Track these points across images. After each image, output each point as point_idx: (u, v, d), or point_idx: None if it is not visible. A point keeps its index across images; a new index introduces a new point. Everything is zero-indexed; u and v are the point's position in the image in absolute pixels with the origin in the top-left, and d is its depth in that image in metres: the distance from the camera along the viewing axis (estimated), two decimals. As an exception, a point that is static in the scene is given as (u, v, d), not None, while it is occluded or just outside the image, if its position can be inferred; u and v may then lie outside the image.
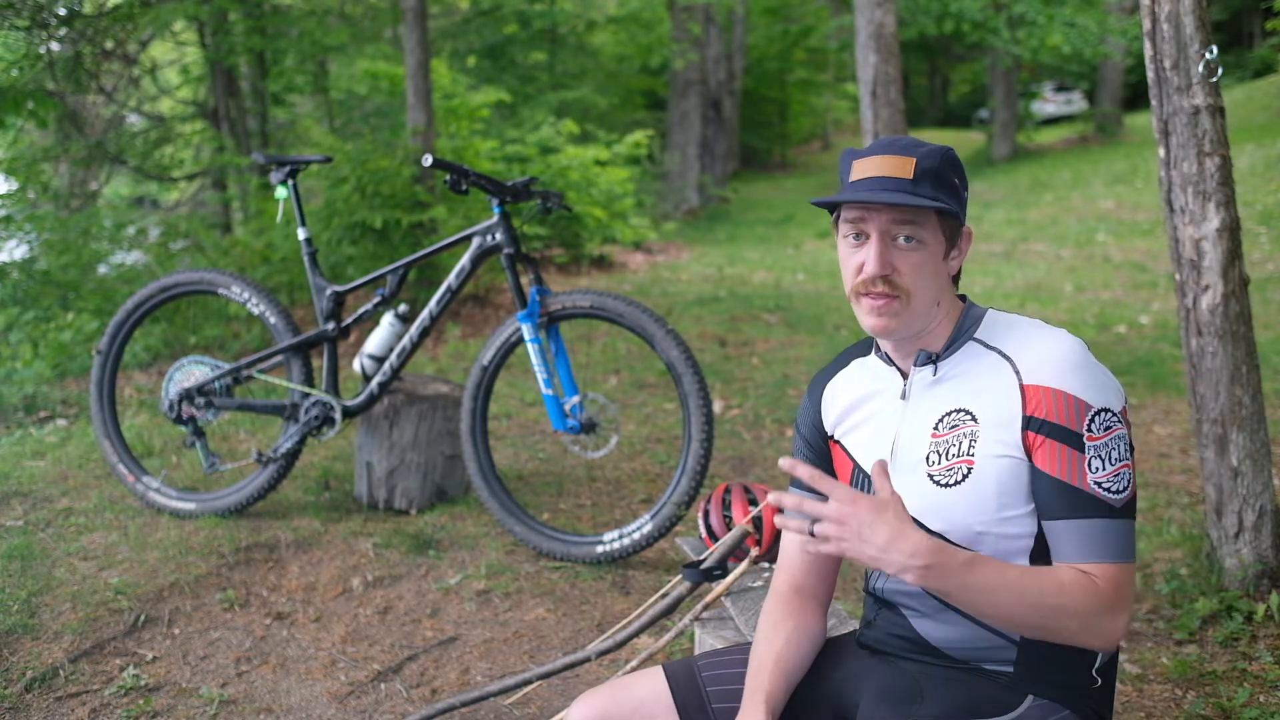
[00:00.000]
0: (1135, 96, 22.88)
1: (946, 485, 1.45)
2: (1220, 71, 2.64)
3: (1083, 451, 1.38)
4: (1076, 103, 25.97)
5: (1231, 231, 2.69)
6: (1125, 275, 8.95)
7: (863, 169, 1.47)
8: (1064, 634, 1.36)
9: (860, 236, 1.47)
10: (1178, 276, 2.79)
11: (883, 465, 1.34)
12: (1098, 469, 1.38)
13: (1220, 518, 2.82)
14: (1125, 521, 1.39)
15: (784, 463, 1.31)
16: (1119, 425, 1.40)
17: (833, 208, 1.51)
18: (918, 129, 27.87)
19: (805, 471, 1.31)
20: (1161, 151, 2.74)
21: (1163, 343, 6.28)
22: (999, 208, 14.01)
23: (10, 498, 3.81)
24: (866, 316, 1.48)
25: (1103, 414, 1.39)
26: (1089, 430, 1.38)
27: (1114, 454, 1.39)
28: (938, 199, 1.43)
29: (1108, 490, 1.38)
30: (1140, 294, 8.11)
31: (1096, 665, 1.48)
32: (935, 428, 1.48)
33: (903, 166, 1.44)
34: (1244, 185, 8.04)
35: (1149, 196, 12.79)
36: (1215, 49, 2.63)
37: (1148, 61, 2.72)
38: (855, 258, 1.47)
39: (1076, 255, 10.19)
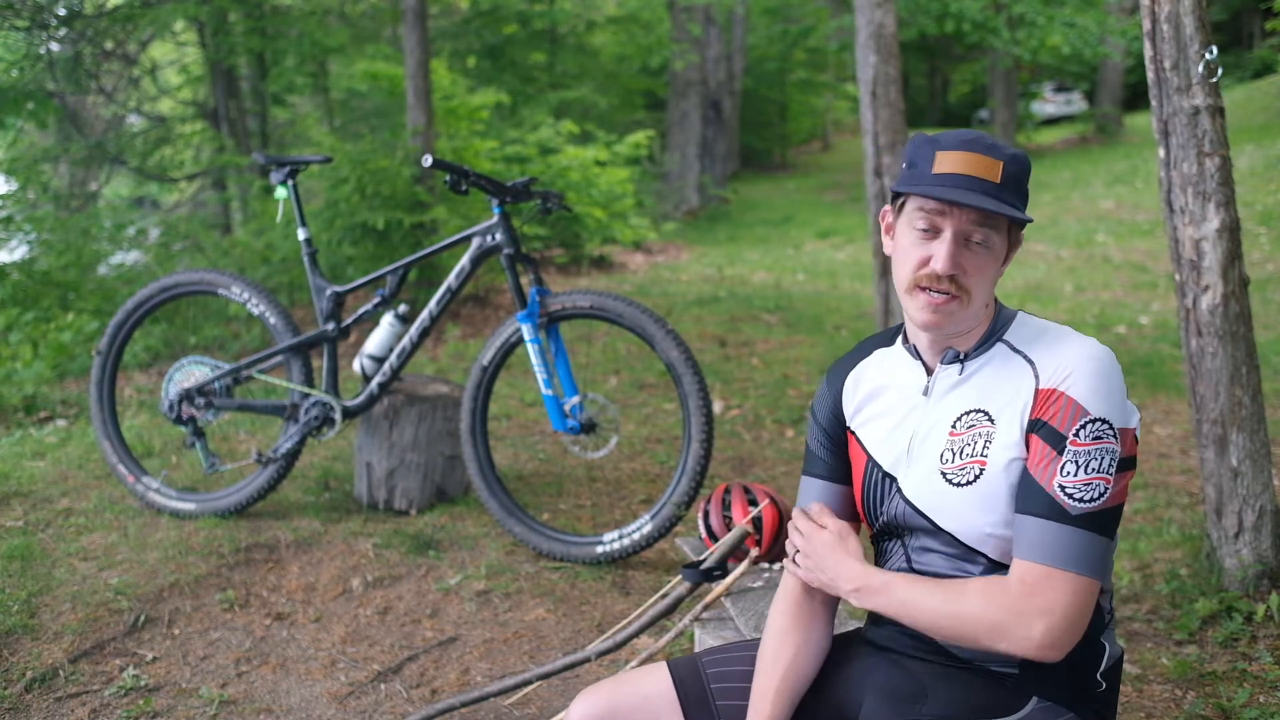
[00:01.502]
0: (1135, 97, 22.87)
1: (959, 485, 1.45)
2: (1220, 72, 2.64)
3: (1061, 454, 1.37)
4: (1076, 103, 25.96)
5: (1231, 232, 2.69)
6: (1125, 275, 8.95)
7: (948, 163, 1.43)
8: (979, 640, 1.37)
9: (930, 231, 1.44)
10: (1178, 277, 2.79)
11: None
12: (1069, 473, 1.36)
13: (1220, 518, 2.82)
14: (1080, 532, 1.35)
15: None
16: (1111, 439, 1.37)
17: (898, 193, 1.48)
18: (918, 129, 27.82)
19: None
20: (1161, 152, 2.74)
21: (1163, 343, 6.28)
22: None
23: (10, 498, 3.81)
24: (921, 311, 1.45)
25: (1096, 423, 1.37)
26: (1075, 435, 1.37)
27: (1093, 464, 1.36)
28: (1018, 208, 1.43)
29: (1069, 496, 1.36)
30: (1140, 294, 8.11)
31: (1101, 669, 1.48)
32: (953, 426, 1.48)
33: (992, 169, 1.42)
34: (1244, 185, 8.03)
35: (1149, 196, 12.79)
36: (1215, 49, 2.63)
37: (1148, 62, 2.72)
38: (920, 250, 1.45)
39: (1076, 255, 10.19)
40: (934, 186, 1.42)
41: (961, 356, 1.50)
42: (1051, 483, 1.37)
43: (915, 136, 1.51)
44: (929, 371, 1.54)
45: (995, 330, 1.50)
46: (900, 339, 1.59)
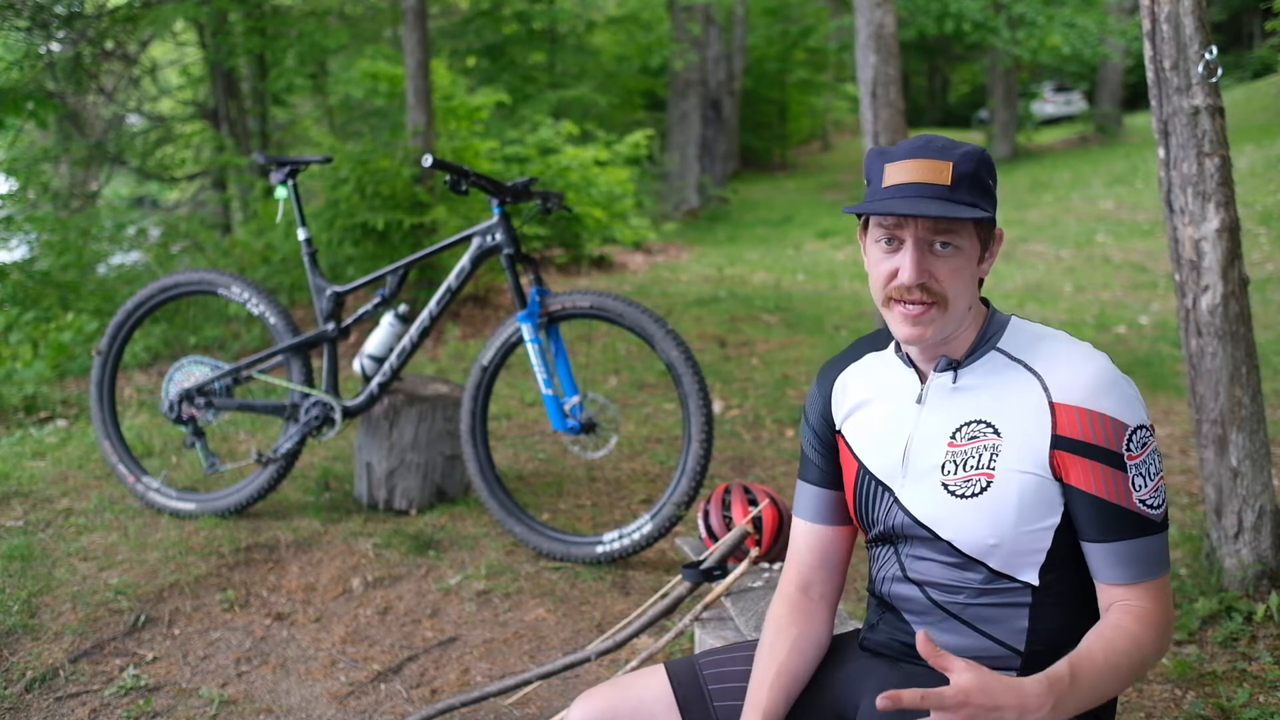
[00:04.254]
0: (1135, 97, 22.89)
1: (963, 496, 1.43)
2: (1220, 72, 2.64)
3: (1125, 471, 1.37)
4: (1076, 103, 25.97)
5: (1231, 232, 2.69)
6: (1125, 275, 8.95)
7: (897, 174, 1.41)
8: (1143, 673, 1.39)
9: (893, 242, 1.42)
10: (1177, 277, 2.79)
11: (925, 636, 1.22)
12: (1141, 487, 1.38)
13: (1220, 518, 2.82)
14: (1165, 534, 1.41)
15: (879, 700, 1.20)
16: (1152, 440, 1.41)
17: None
18: (917, 129, 27.88)
19: (910, 697, 1.19)
20: (1161, 152, 2.74)
21: (1163, 343, 6.29)
22: (999, 208, 13.99)
23: (10, 498, 3.81)
24: (901, 325, 1.44)
25: (1139, 431, 1.39)
26: (1128, 449, 1.37)
27: (1151, 469, 1.40)
28: (977, 205, 1.40)
29: (1150, 506, 1.39)
30: (1140, 294, 8.11)
31: None
32: (953, 436, 1.46)
33: (940, 172, 1.39)
34: (1244, 185, 8.04)
35: (1149, 196, 12.79)
36: (1215, 49, 2.63)
37: (1147, 62, 2.72)
38: (887, 264, 1.43)
39: (1076, 255, 10.19)
40: (884, 201, 1.40)
41: (955, 364, 1.48)
42: (1133, 501, 1.38)
43: (869, 152, 1.49)
44: (922, 378, 1.52)
45: (988, 337, 1.48)
46: (892, 345, 1.57)
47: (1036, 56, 17.19)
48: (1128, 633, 1.35)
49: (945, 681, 1.46)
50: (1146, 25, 2.70)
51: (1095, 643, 1.34)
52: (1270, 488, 2.78)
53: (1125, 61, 19.76)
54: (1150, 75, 2.72)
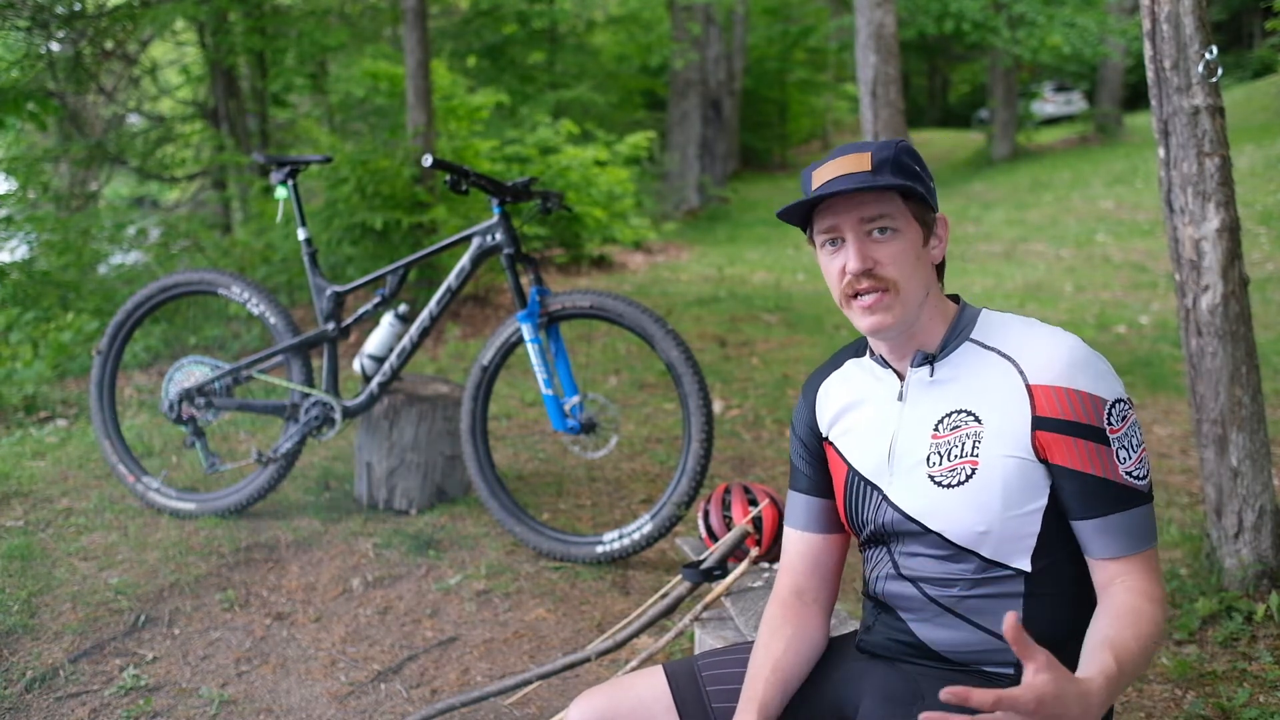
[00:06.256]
0: (1135, 96, 22.89)
1: (949, 486, 1.44)
2: (1220, 72, 2.64)
3: (1109, 445, 1.39)
4: (1076, 103, 25.97)
5: (1231, 232, 2.69)
6: (1125, 275, 8.95)
7: (821, 175, 1.48)
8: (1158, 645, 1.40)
9: (837, 242, 1.48)
10: (1178, 277, 2.79)
11: (1014, 618, 1.12)
12: (1125, 459, 1.40)
13: (1220, 518, 2.82)
14: (1150, 505, 1.43)
15: (944, 693, 1.12)
16: (1132, 413, 1.42)
17: (805, 225, 1.53)
18: (917, 129, 27.94)
19: (981, 697, 1.13)
20: (1161, 151, 2.74)
21: (1163, 343, 6.29)
22: (999, 208, 14.01)
23: (10, 498, 3.81)
24: (860, 318, 1.47)
25: (1118, 405, 1.41)
26: (1110, 423, 1.39)
27: (1133, 441, 1.41)
28: (900, 181, 1.44)
29: (1136, 478, 1.40)
30: (1140, 294, 8.11)
31: None
32: (935, 429, 1.47)
33: (859, 161, 1.45)
34: (1244, 185, 8.04)
35: (1149, 196, 12.79)
36: (1215, 49, 2.63)
37: (1147, 61, 2.72)
38: (836, 263, 1.48)
39: (1076, 255, 10.19)
40: (809, 195, 1.47)
41: (930, 358, 1.50)
42: (1119, 473, 1.40)
43: (802, 171, 1.55)
44: (900, 377, 1.54)
45: (960, 329, 1.51)
46: (869, 349, 1.61)
47: (1036, 56, 17.20)
48: (1146, 616, 1.36)
49: (937, 685, 1.47)
50: (1146, 25, 2.70)
51: (1125, 631, 1.32)
52: (1270, 487, 2.78)
53: (1125, 61, 19.77)
54: (1150, 75, 2.72)
